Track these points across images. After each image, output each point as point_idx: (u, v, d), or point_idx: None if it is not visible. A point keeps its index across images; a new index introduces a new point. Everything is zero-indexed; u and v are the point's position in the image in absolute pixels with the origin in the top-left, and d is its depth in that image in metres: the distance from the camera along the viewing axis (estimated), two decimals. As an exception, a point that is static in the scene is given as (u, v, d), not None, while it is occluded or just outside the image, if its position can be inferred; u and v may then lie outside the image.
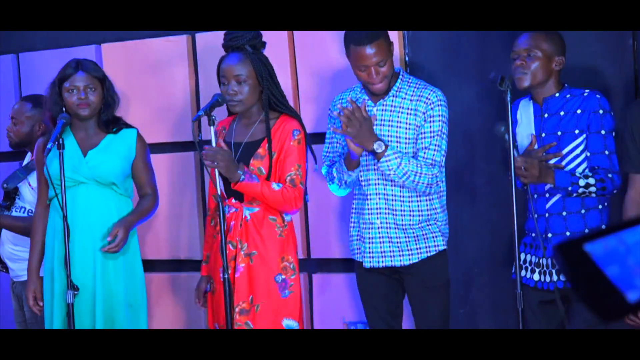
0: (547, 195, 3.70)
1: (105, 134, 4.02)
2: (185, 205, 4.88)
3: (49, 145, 3.76)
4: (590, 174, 3.59)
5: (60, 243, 3.86)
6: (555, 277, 3.68)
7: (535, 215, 3.73)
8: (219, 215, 3.67)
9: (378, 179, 3.81)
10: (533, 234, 3.76)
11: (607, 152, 3.61)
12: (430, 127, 3.75)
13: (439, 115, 3.75)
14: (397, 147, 3.75)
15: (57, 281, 3.90)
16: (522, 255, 3.78)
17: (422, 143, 3.75)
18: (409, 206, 3.81)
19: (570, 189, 3.56)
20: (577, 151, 3.64)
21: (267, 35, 3.88)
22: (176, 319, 4.79)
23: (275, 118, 3.83)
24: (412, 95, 3.78)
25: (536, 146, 3.67)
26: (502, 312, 4.25)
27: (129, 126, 4.08)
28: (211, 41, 4.37)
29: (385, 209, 3.81)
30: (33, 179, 4.45)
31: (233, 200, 3.80)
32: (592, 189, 3.56)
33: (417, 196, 3.80)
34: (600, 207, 3.68)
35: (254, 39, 3.80)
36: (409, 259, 3.82)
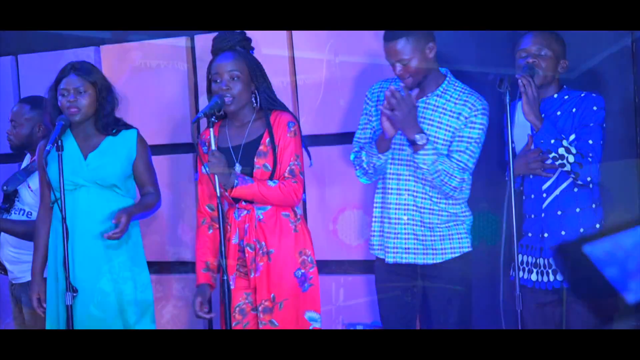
0: (544, 195, 3.72)
1: (104, 136, 4.02)
2: (185, 207, 4.88)
3: (47, 147, 3.76)
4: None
5: (60, 246, 3.86)
6: (552, 277, 3.70)
7: (532, 215, 3.74)
8: (218, 219, 3.65)
9: (409, 174, 3.81)
10: (530, 234, 3.77)
11: (590, 142, 3.62)
12: (470, 132, 3.76)
13: (481, 124, 3.76)
14: (434, 146, 3.76)
15: (62, 283, 3.90)
16: (520, 257, 3.79)
17: (458, 146, 3.76)
18: (438, 205, 3.81)
19: (553, 142, 3.57)
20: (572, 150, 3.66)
21: (267, 35, 3.89)
22: (177, 321, 4.79)
23: (268, 114, 3.84)
24: (457, 99, 3.80)
25: (532, 146, 3.69)
26: (502, 313, 4.25)
27: (128, 127, 4.07)
28: (210, 43, 4.37)
29: (413, 205, 3.81)
30: (33, 181, 4.45)
31: (243, 203, 3.80)
32: (571, 158, 3.57)
33: (446, 197, 3.81)
34: (593, 206, 3.70)
35: (244, 40, 3.83)
36: (433, 258, 3.82)
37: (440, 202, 3.81)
